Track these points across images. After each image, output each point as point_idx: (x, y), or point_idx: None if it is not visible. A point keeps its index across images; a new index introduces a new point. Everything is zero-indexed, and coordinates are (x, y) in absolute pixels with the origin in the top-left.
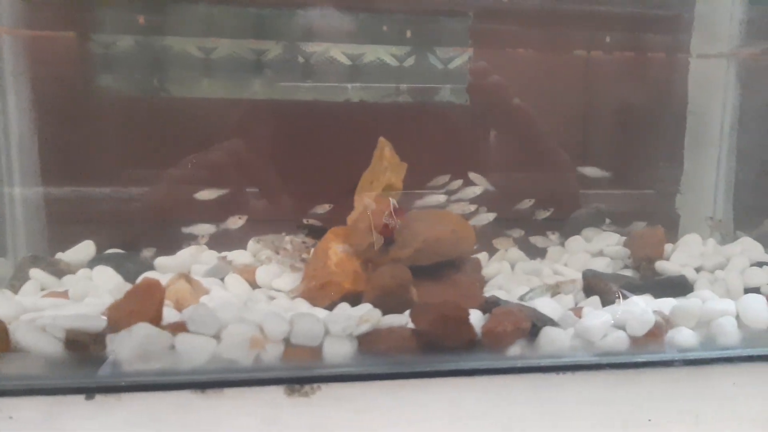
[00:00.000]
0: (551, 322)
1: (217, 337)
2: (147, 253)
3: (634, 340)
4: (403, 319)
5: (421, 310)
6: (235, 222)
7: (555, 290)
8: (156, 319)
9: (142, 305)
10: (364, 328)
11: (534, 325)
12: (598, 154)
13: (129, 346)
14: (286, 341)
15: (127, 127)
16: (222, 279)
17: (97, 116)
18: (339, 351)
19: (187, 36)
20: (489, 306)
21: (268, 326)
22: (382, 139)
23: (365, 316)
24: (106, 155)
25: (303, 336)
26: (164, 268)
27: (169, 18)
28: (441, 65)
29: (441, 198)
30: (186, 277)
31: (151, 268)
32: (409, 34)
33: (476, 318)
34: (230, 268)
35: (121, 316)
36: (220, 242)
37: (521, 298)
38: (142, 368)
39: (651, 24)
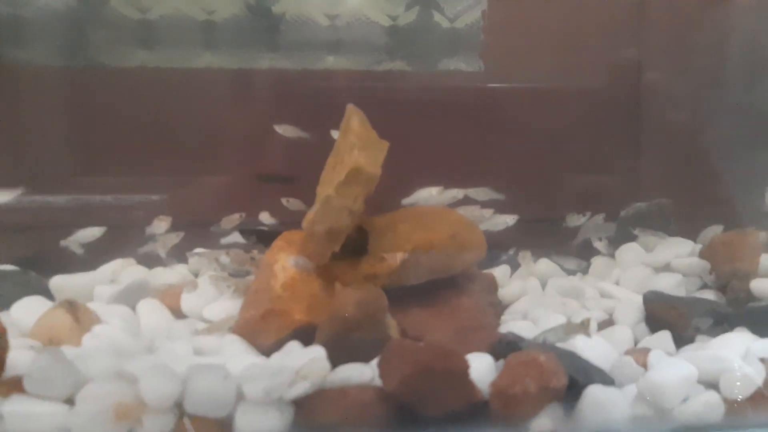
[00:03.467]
0: (601, 377)
1: (70, 401)
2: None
3: (733, 406)
4: (367, 373)
5: (394, 357)
6: (159, 225)
7: (578, 329)
8: None
9: None
10: (302, 388)
11: (573, 381)
12: (656, 129)
13: None
14: (180, 408)
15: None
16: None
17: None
18: (261, 426)
19: None
20: (503, 349)
21: (146, 386)
22: (350, 106)
23: (304, 369)
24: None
25: (202, 401)
26: (61, 290)
27: None
28: (447, 23)
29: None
30: (70, 305)
31: (44, 290)
32: None
33: (484, 368)
34: (149, 291)
35: None
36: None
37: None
38: None
39: None
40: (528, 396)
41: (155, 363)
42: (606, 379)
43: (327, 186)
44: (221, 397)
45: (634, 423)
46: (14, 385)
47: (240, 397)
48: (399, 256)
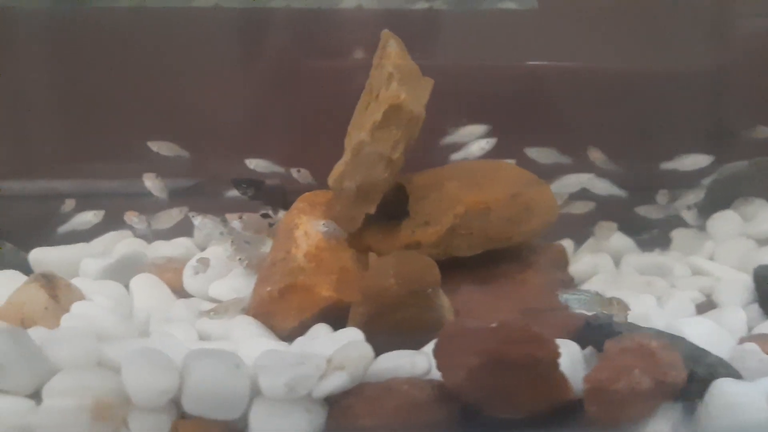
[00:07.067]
0: (725, 369)
1: (36, 396)
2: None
3: None
4: (420, 363)
5: (458, 343)
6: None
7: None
8: None
9: None
10: (336, 382)
11: (693, 374)
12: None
13: None
14: (177, 407)
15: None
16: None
17: None
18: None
19: None
20: (594, 333)
21: (131, 378)
22: (386, 31)
23: (339, 357)
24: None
25: (205, 400)
26: (42, 265)
27: None
28: None
29: None
30: (46, 279)
31: (22, 265)
32: None
33: (570, 359)
34: (145, 265)
35: None
36: None
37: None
38: None
39: None
40: (638, 393)
41: (144, 348)
42: (732, 372)
43: (358, 131)
44: (231, 393)
45: None
46: None
47: (255, 392)
48: (447, 221)
